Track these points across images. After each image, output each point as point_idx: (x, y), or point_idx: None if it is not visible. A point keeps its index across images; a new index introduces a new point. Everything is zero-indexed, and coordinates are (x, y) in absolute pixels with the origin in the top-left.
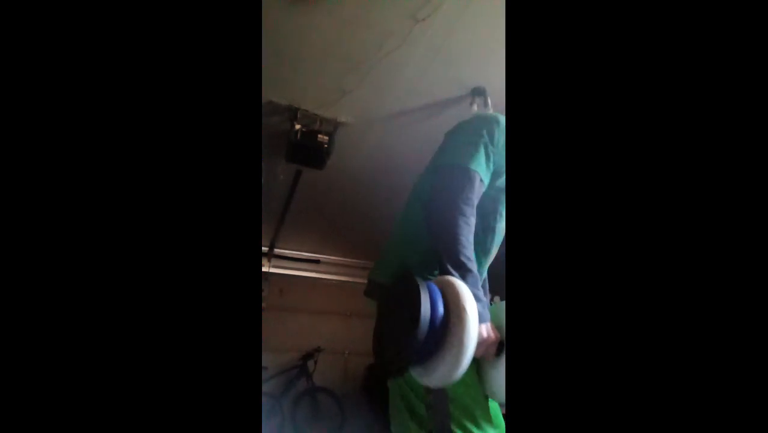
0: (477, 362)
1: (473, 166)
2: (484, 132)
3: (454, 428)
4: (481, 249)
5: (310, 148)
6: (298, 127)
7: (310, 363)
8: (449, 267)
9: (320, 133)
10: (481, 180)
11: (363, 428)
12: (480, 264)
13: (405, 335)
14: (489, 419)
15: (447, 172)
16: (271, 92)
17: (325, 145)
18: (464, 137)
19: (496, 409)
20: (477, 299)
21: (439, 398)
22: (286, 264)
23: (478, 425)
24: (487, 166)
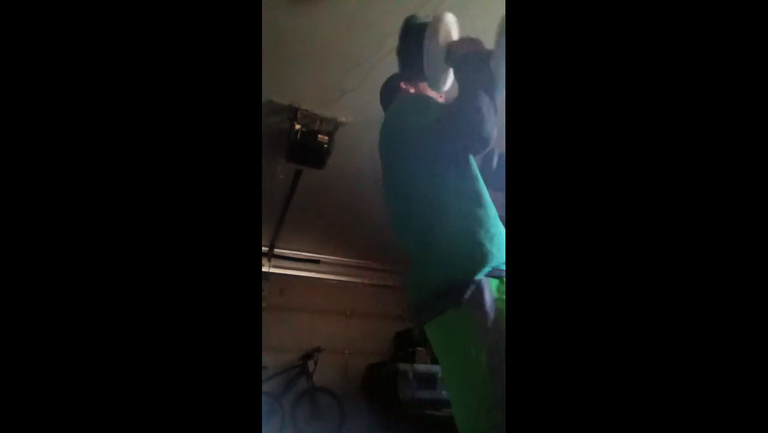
0: None
1: None
2: None
3: None
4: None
5: (310, 148)
6: (298, 127)
7: (310, 363)
8: None
9: (320, 133)
10: None
11: (363, 428)
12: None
13: None
14: None
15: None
16: (271, 92)
17: (325, 145)
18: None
19: None
20: None
21: None
22: (286, 264)
23: None
24: None
